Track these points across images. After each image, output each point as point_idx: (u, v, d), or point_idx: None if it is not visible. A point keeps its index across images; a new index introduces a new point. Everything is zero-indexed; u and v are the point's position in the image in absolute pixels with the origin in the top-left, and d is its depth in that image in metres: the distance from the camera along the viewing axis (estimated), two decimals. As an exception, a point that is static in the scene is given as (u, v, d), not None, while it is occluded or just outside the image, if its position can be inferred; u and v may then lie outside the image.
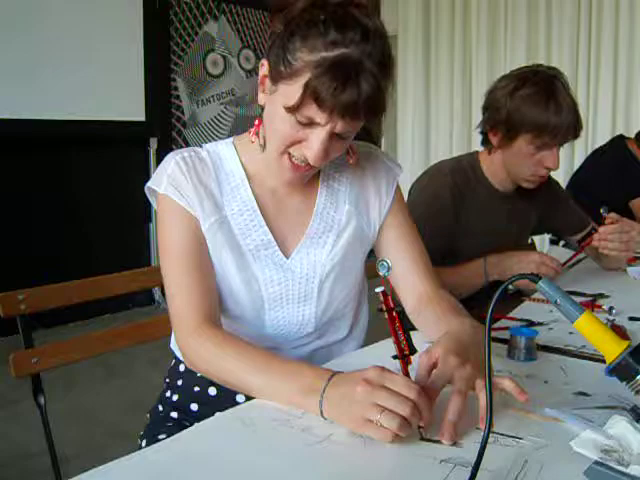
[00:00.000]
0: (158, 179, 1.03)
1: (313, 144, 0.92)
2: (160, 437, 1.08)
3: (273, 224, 1.06)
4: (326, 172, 1.11)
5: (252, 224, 1.04)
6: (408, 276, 1.13)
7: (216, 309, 1.01)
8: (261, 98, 0.99)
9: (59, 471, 1.22)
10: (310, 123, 0.90)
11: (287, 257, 1.06)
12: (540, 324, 1.25)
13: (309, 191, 1.10)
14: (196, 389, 1.13)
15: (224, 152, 1.07)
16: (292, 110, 0.89)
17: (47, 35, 3.52)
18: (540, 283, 0.72)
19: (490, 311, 0.70)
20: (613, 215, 1.55)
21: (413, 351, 0.83)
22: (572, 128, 1.45)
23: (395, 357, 0.82)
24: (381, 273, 0.84)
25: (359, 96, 0.85)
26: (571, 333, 1.18)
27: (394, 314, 0.81)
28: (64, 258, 3.59)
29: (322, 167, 1.06)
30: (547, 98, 1.43)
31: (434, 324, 0.99)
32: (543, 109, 1.42)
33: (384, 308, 0.82)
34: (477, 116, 4.67)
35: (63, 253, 3.67)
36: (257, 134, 1.03)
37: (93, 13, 3.69)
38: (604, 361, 1.02)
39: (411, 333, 0.83)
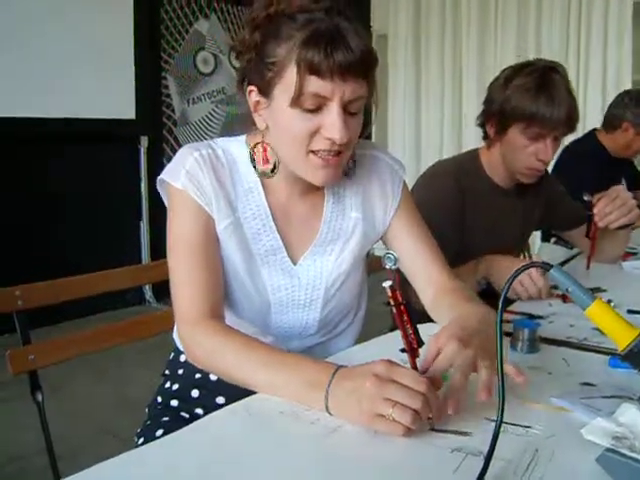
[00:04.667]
0: (175, 173, 1.01)
1: (332, 122, 0.90)
2: (157, 434, 1.08)
3: (283, 230, 1.06)
4: None
5: (263, 229, 1.04)
6: (425, 269, 1.12)
7: (221, 305, 1.01)
8: (260, 122, 0.99)
9: (57, 470, 1.20)
10: (319, 105, 0.89)
11: (294, 264, 1.07)
12: (540, 317, 1.25)
13: (317, 198, 1.09)
14: (197, 376, 1.13)
15: (237, 153, 1.06)
16: (297, 98, 0.88)
17: (36, 33, 3.48)
18: (552, 271, 0.71)
19: (502, 300, 0.69)
20: (597, 195, 1.56)
21: (421, 344, 0.82)
22: (565, 121, 1.42)
23: (403, 350, 0.82)
24: (387, 266, 0.83)
25: (352, 51, 0.86)
26: (572, 326, 1.19)
27: (402, 308, 0.81)
28: (55, 257, 3.55)
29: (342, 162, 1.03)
30: (538, 88, 1.42)
31: (449, 312, 0.99)
32: (532, 99, 1.41)
33: (392, 302, 0.81)
34: (469, 113, 4.73)
35: (54, 252, 3.62)
36: (267, 160, 1.02)
37: (83, 11, 3.66)
38: (606, 353, 1.04)
39: (418, 327, 0.83)
